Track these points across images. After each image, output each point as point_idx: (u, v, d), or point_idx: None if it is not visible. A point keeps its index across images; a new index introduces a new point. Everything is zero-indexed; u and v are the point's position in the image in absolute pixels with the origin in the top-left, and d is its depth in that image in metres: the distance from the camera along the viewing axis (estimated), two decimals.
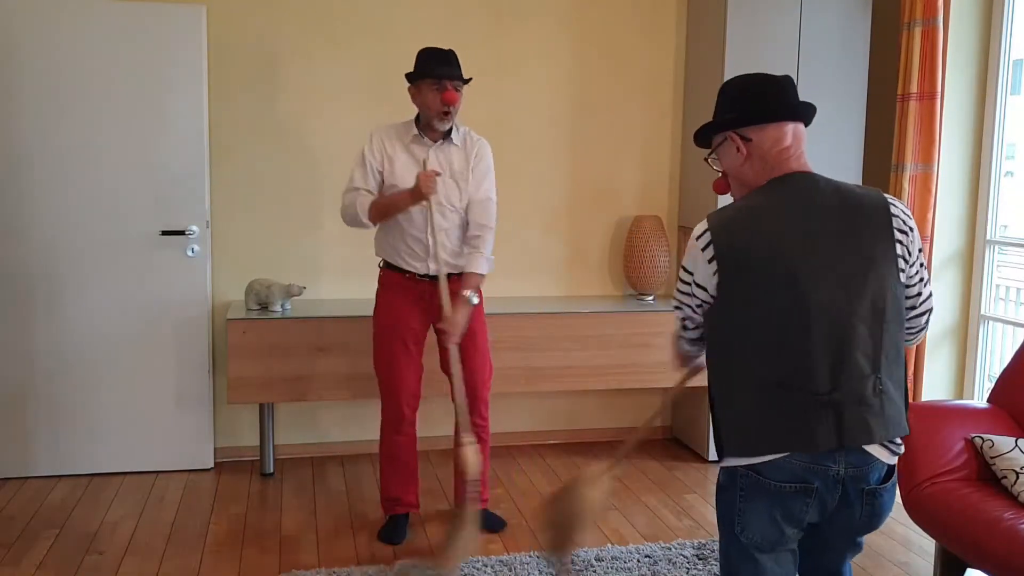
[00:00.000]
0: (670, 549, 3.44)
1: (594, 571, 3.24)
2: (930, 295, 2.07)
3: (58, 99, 3.94)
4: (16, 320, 4.01)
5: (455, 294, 3.32)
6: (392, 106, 4.40)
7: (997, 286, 4.53)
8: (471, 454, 3.15)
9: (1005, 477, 2.91)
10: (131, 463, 4.18)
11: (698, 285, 2.02)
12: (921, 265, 2.01)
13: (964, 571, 3.10)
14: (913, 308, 2.04)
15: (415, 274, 3.42)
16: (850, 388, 1.89)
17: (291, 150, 4.32)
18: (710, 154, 2.22)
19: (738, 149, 2.08)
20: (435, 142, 3.42)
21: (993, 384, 3.36)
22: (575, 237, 4.69)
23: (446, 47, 4.40)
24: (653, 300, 4.60)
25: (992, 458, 2.97)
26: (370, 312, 4.07)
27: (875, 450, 1.96)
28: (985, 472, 3.00)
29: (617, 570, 3.26)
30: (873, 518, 2.03)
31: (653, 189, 4.76)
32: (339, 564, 3.30)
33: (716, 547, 3.44)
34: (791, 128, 2.05)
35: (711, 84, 4.41)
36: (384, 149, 3.40)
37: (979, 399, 4.39)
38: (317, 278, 4.38)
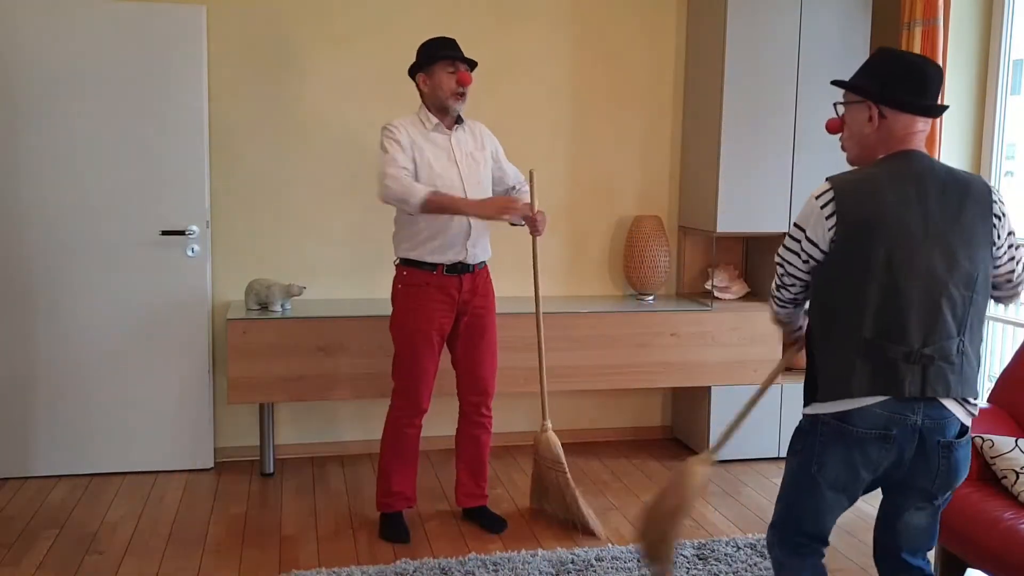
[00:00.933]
0: None
1: (594, 571, 3.24)
2: (1019, 260, 2.29)
3: (58, 99, 3.94)
4: (16, 320, 4.01)
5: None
6: (392, 105, 4.39)
7: None
8: (555, 438, 3.67)
9: (1005, 477, 2.91)
10: (131, 463, 4.18)
11: (809, 240, 2.21)
12: (1010, 246, 2.25)
13: (964, 571, 3.10)
14: (1002, 276, 2.28)
15: (443, 267, 3.43)
16: (938, 347, 2.14)
17: (291, 150, 4.32)
18: (841, 103, 2.38)
19: (871, 119, 2.26)
20: (450, 129, 3.46)
21: (993, 384, 3.36)
22: (575, 237, 4.69)
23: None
24: (653, 300, 4.60)
25: (992, 458, 2.97)
26: (371, 312, 4.09)
27: (952, 406, 2.18)
28: (985, 472, 3.00)
29: (617, 570, 3.26)
30: (950, 473, 2.23)
31: (653, 189, 4.76)
32: (339, 564, 3.29)
33: (716, 547, 3.44)
34: (921, 120, 2.25)
35: (711, 84, 4.41)
36: (410, 137, 3.40)
37: (979, 399, 4.39)
38: (317, 278, 4.38)
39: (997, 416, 3.16)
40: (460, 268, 3.45)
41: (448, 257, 3.42)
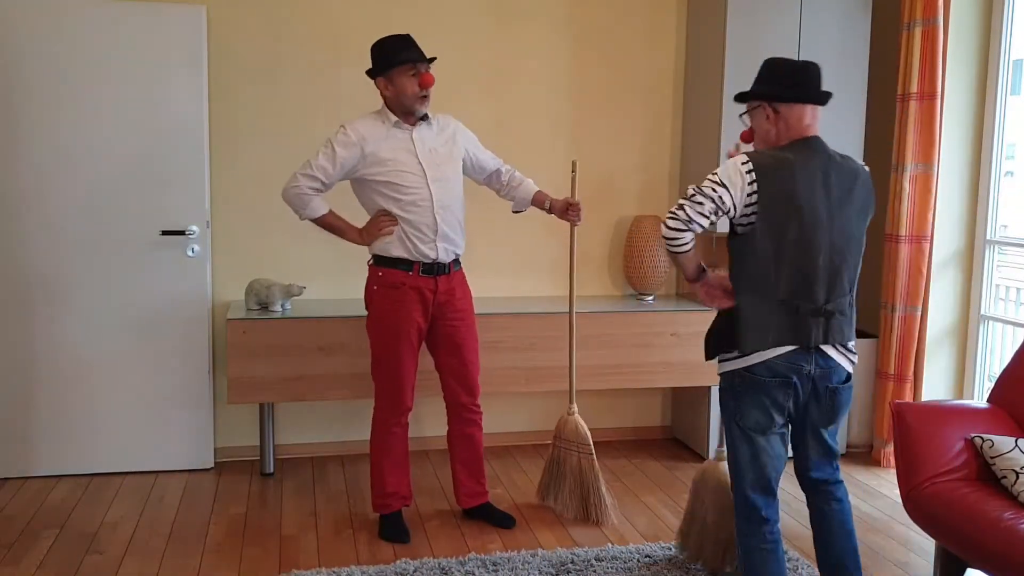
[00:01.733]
0: (670, 549, 3.44)
1: (594, 571, 3.24)
2: None
3: (58, 99, 3.94)
4: (16, 320, 4.01)
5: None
6: None
7: (997, 286, 4.54)
8: (581, 421, 3.76)
9: (1005, 477, 2.91)
10: (131, 463, 4.18)
11: (729, 194, 2.55)
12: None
13: (964, 571, 3.10)
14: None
15: (420, 266, 3.43)
16: (837, 303, 2.63)
17: (291, 150, 4.31)
18: (744, 113, 2.79)
19: (768, 117, 2.69)
20: (412, 126, 3.45)
21: (993, 384, 3.36)
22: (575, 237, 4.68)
23: (447, 47, 4.42)
24: (653, 300, 4.60)
25: (992, 458, 2.97)
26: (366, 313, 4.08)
27: (838, 357, 2.68)
28: (985, 472, 3.00)
29: (617, 570, 3.26)
30: (835, 411, 2.73)
31: (653, 189, 4.76)
32: (339, 564, 3.30)
33: None
34: (811, 108, 2.67)
35: (711, 84, 4.41)
36: (364, 139, 3.40)
37: (979, 399, 4.39)
38: (317, 278, 4.38)
39: (997, 416, 3.16)
40: (435, 269, 3.46)
41: (422, 252, 3.43)
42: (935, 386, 4.48)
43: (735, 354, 2.66)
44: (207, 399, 4.22)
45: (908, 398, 4.42)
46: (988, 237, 4.41)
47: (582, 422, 3.79)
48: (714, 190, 2.56)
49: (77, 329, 4.06)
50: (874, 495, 4.12)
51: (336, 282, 4.43)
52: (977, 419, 3.13)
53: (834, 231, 2.58)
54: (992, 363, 4.47)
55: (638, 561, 3.33)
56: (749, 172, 2.54)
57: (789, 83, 2.66)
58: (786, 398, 2.64)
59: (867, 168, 2.72)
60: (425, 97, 3.38)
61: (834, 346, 2.65)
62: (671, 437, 4.92)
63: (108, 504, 3.83)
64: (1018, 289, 5.06)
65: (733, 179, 2.55)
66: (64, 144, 3.97)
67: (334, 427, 4.53)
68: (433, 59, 3.43)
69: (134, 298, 4.10)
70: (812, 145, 2.63)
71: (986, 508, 2.77)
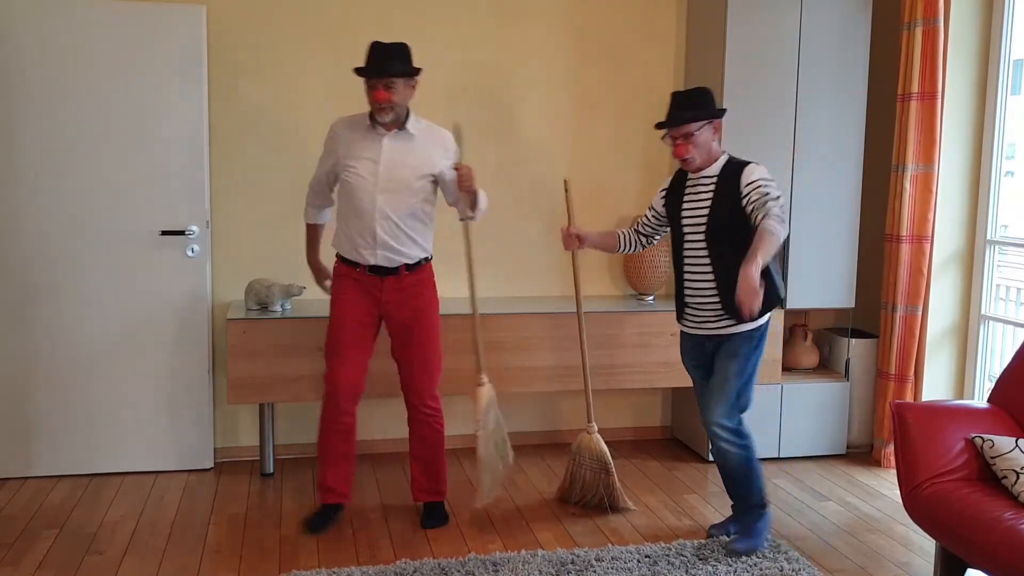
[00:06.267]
0: (670, 549, 3.44)
1: (594, 571, 3.24)
2: None
3: (58, 99, 3.94)
4: (16, 320, 4.01)
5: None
6: None
7: (997, 286, 4.54)
8: (600, 440, 3.84)
9: (1005, 477, 2.91)
10: (131, 463, 4.18)
11: None
12: None
13: (964, 571, 3.10)
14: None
15: (365, 267, 3.49)
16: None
17: (291, 150, 4.32)
18: (683, 135, 3.35)
19: (715, 131, 3.37)
20: (388, 131, 3.47)
21: (993, 384, 3.36)
22: None
23: (447, 47, 4.43)
24: (653, 300, 4.60)
25: (992, 458, 2.97)
26: None
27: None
28: (985, 472, 3.00)
29: (617, 570, 3.26)
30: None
31: (653, 189, 4.75)
32: (339, 564, 3.30)
33: (716, 547, 3.44)
34: None
35: (711, 84, 4.40)
36: (339, 137, 3.51)
37: (979, 399, 4.39)
38: None
39: (997, 416, 3.16)
40: (381, 271, 3.49)
41: (363, 256, 3.48)
42: (935, 386, 4.48)
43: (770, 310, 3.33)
44: (207, 399, 4.22)
45: (908, 398, 4.42)
46: (988, 237, 4.41)
47: (601, 441, 3.84)
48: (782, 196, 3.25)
49: (77, 329, 4.06)
50: (874, 495, 4.12)
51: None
52: (977, 419, 3.12)
53: None
54: (992, 363, 4.47)
55: (638, 561, 3.33)
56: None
57: (715, 104, 3.38)
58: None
59: None
60: (382, 109, 3.39)
61: None
62: (671, 437, 4.91)
63: (108, 504, 3.83)
64: (1018, 289, 5.06)
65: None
66: (64, 144, 3.97)
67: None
68: (410, 72, 3.41)
69: (134, 298, 4.10)
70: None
71: (987, 508, 2.77)
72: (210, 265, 4.21)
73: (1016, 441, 2.98)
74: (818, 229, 4.47)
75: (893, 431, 3.13)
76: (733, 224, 3.24)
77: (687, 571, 3.27)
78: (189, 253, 4.13)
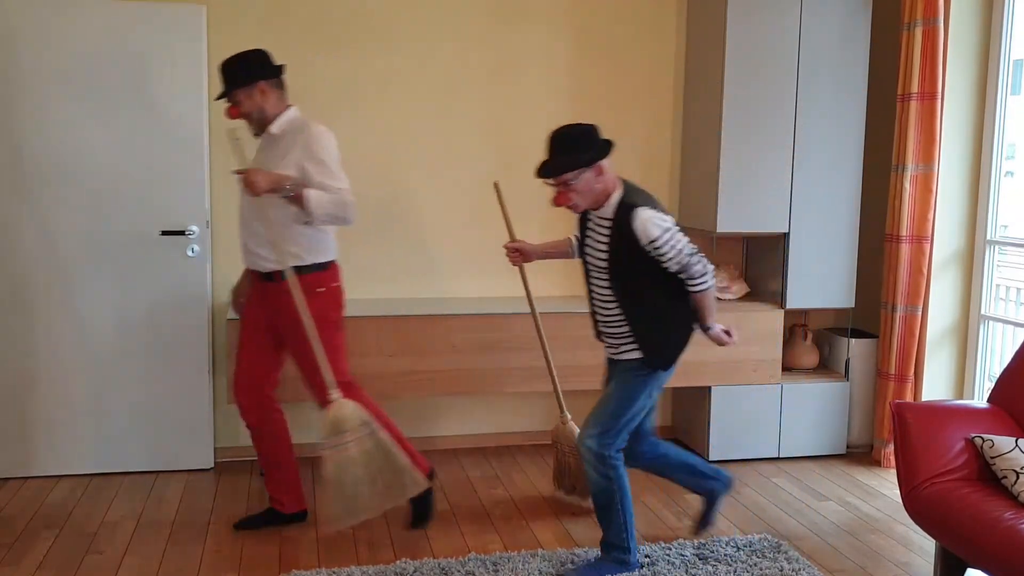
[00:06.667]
0: (669, 549, 3.44)
1: None
2: None
3: (58, 99, 3.94)
4: (16, 320, 4.01)
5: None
6: (391, 105, 4.41)
7: (997, 286, 4.54)
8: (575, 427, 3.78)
9: (1005, 477, 2.91)
10: (131, 463, 4.18)
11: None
12: None
13: (964, 571, 3.10)
14: None
15: (259, 273, 3.47)
16: None
17: None
18: (563, 183, 3.07)
19: (598, 174, 3.05)
20: (264, 135, 3.49)
21: (993, 384, 3.36)
22: None
23: (447, 47, 4.41)
24: None
25: (992, 458, 2.97)
26: (369, 312, 4.10)
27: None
28: (985, 472, 3.00)
29: None
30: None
31: (653, 189, 4.68)
32: (339, 564, 3.29)
33: (716, 547, 3.45)
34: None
35: (711, 84, 4.41)
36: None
37: (979, 399, 4.39)
38: None
39: (997, 416, 3.16)
40: (260, 276, 3.48)
41: (247, 259, 3.50)
42: (935, 386, 4.48)
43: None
44: (207, 399, 4.22)
45: (908, 398, 4.42)
46: (988, 237, 4.41)
47: (576, 428, 3.81)
48: (687, 240, 3.04)
49: (77, 329, 4.06)
50: (874, 495, 4.12)
51: None
52: (977, 419, 3.13)
53: None
54: (992, 363, 4.47)
55: (638, 561, 3.32)
56: (666, 214, 3.07)
57: (598, 144, 3.09)
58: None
59: None
60: (248, 121, 3.43)
61: None
62: (671, 437, 4.91)
63: (108, 504, 3.83)
64: (1018, 289, 5.06)
65: (673, 224, 3.03)
66: (64, 144, 3.97)
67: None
68: (221, 96, 3.39)
69: (134, 298, 4.09)
70: (631, 183, 3.16)
71: (986, 508, 2.77)
72: (210, 265, 4.21)
73: (1016, 441, 2.98)
74: (818, 229, 4.47)
75: (893, 431, 3.13)
76: (635, 263, 3.06)
77: (686, 571, 3.27)
78: (189, 253, 4.12)
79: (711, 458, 4.47)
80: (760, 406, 4.51)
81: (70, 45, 3.92)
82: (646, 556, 3.37)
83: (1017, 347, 3.33)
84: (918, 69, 4.24)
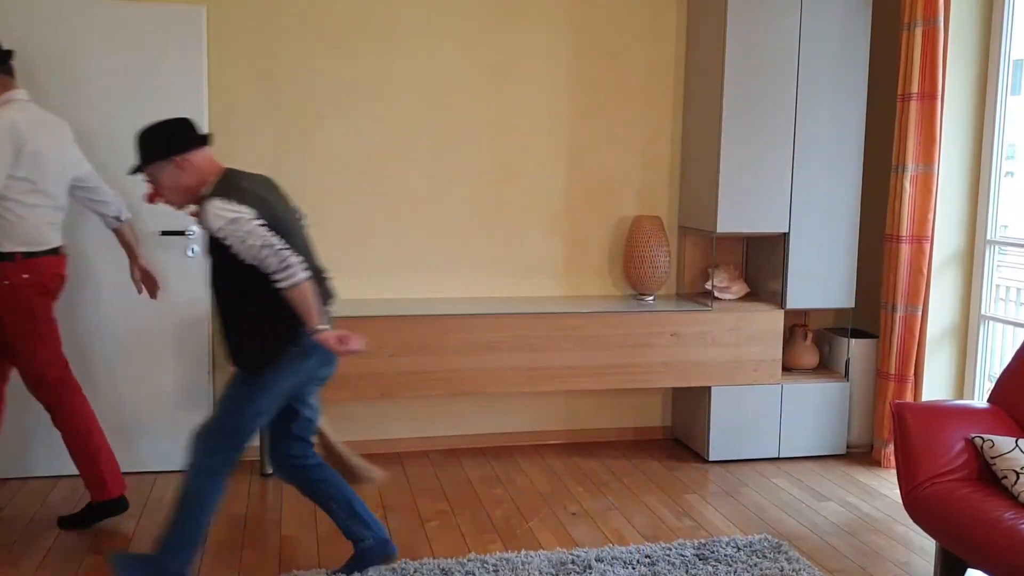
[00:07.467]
0: (670, 549, 3.44)
1: (594, 571, 3.24)
2: None
3: (58, 99, 3.94)
4: None
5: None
6: (391, 105, 4.41)
7: (997, 286, 4.54)
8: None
9: (1005, 477, 2.91)
10: (131, 463, 4.17)
11: (262, 224, 2.76)
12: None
13: (964, 571, 3.10)
14: None
15: None
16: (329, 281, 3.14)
17: (291, 150, 4.32)
18: (146, 177, 2.93)
19: (179, 168, 2.88)
20: None
21: (993, 384, 3.36)
22: (575, 237, 4.69)
23: (447, 47, 4.40)
24: (653, 300, 4.60)
25: (992, 458, 2.97)
26: (370, 312, 4.10)
27: None
28: (985, 472, 3.00)
29: (617, 570, 3.26)
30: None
31: (653, 189, 4.76)
32: (338, 564, 3.29)
33: (716, 547, 3.44)
34: (210, 150, 2.97)
35: (711, 84, 4.41)
36: None
37: (979, 399, 4.39)
38: None
39: (997, 416, 3.16)
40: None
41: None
42: (935, 386, 4.48)
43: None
44: (207, 399, 4.22)
45: (908, 398, 4.42)
46: (988, 237, 4.41)
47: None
48: (264, 230, 2.74)
49: (77, 329, 4.05)
50: (874, 495, 4.13)
51: (336, 282, 4.41)
52: (977, 419, 3.13)
53: (300, 234, 2.98)
54: (992, 363, 4.47)
55: (638, 561, 3.33)
56: (242, 207, 2.76)
57: (180, 133, 2.91)
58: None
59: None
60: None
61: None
62: (671, 437, 4.92)
63: None
64: (1018, 289, 5.06)
65: (248, 212, 2.76)
66: None
67: (334, 428, 4.49)
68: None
69: (134, 298, 4.08)
70: (240, 174, 2.93)
71: (987, 508, 2.77)
72: None
73: (1016, 441, 2.98)
74: (818, 229, 4.47)
75: (893, 431, 3.13)
76: (221, 259, 2.83)
77: (687, 571, 3.27)
78: (189, 253, 4.12)
79: (711, 458, 4.47)
80: (760, 406, 4.51)
81: (70, 45, 3.92)
82: (646, 556, 3.37)
83: (1017, 347, 3.33)
84: (918, 69, 4.24)
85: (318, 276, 2.97)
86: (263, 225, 2.75)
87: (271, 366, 2.88)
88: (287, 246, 2.75)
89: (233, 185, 2.84)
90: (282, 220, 2.87)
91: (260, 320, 2.86)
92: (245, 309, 2.87)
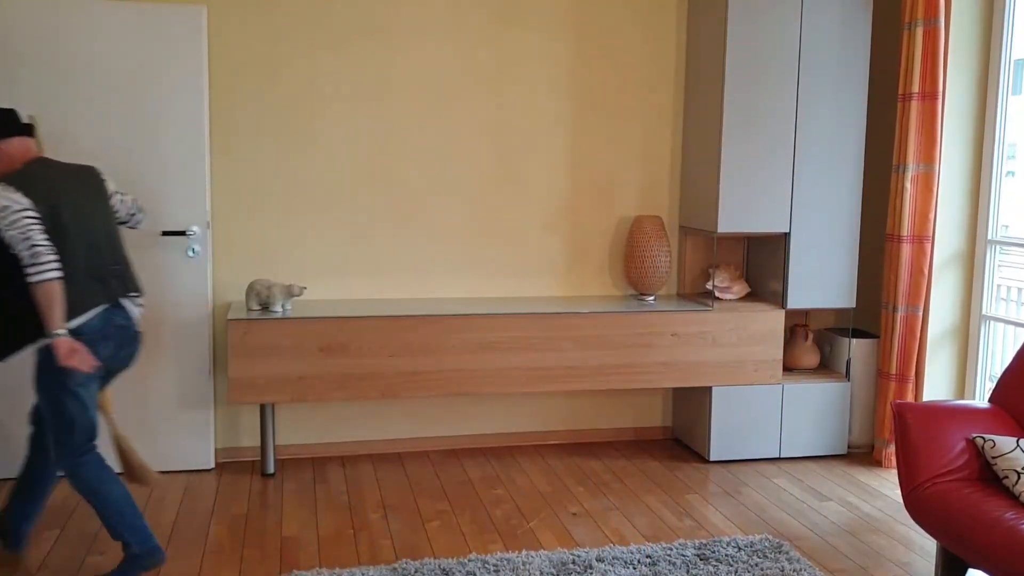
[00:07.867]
0: (670, 549, 3.44)
1: (594, 571, 3.24)
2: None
3: (58, 99, 3.94)
4: None
5: None
6: (391, 106, 4.41)
7: (998, 286, 4.53)
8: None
9: (1006, 477, 2.91)
10: None
11: (29, 214, 2.82)
12: (121, 202, 3.32)
13: (965, 571, 3.09)
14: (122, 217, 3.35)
15: None
16: (119, 268, 3.18)
17: (291, 150, 4.32)
18: None
19: None
20: None
21: (994, 384, 3.36)
22: (575, 237, 4.69)
23: (447, 47, 4.40)
24: (654, 300, 4.60)
25: (993, 458, 2.97)
26: (371, 312, 4.10)
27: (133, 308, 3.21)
28: (986, 472, 3.00)
29: (617, 570, 3.25)
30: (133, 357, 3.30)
31: (653, 189, 4.76)
32: (339, 564, 3.29)
33: (716, 547, 3.44)
34: (29, 140, 3.07)
35: (712, 84, 4.41)
36: None
37: (980, 399, 4.39)
38: (317, 278, 4.38)
39: (997, 416, 3.16)
40: None
41: None
42: (936, 386, 4.47)
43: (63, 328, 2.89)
44: (208, 400, 4.22)
45: (909, 398, 4.42)
46: (989, 237, 4.40)
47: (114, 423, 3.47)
48: (29, 224, 2.81)
49: None
50: (875, 495, 4.12)
51: (337, 283, 4.43)
52: (978, 419, 3.12)
53: (97, 218, 3.08)
54: (993, 363, 4.47)
55: (639, 561, 3.32)
56: (19, 194, 2.83)
57: (3, 123, 3.01)
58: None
59: (96, 168, 3.25)
60: None
61: (128, 297, 3.15)
62: (671, 437, 4.91)
63: None
64: (1019, 289, 5.06)
65: (22, 202, 2.82)
66: (64, 144, 3.95)
67: (335, 428, 4.52)
68: None
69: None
70: (47, 163, 3.04)
71: (987, 508, 2.77)
72: (211, 265, 4.21)
73: (1017, 441, 2.98)
74: (818, 229, 4.47)
75: (894, 431, 3.13)
76: None
77: (687, 571, 3.27)
78: (190, 254, 4.12)
79: (712, 458, 4.47)
80: (761, 406, 4.51)
81: (71, 45, 3.92)
82: (647, 556, 3.36)
83: (1018, 347, 3.33)
84: (919, 69, 4.24)
85: (99, 277, 3.04)
86: (32, 218, 2.82)
87: (10, 354, 3.11)
88: (47, 243, 2.82)
89: (25, 175, 2.93)
90: (63, 217, 2.92)
91: (13, 305, 2.95)
92: (2, 290, 2.97)
